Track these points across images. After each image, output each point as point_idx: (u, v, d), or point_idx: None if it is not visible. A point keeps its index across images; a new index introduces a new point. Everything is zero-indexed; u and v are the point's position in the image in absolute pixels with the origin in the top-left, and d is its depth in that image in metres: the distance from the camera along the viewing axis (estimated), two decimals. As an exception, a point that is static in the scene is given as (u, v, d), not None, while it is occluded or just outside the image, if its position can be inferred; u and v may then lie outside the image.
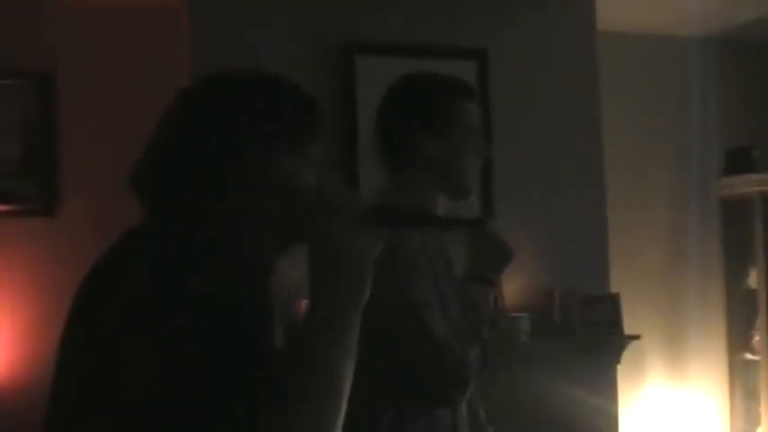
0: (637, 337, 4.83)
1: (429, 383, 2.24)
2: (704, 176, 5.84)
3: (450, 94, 2.42)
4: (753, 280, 5.82)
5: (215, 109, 1.55)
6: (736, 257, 5.91)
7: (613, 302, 4.83)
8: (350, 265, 1.40)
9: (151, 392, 1.28)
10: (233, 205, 1.50)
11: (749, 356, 5.84)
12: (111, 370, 1.32)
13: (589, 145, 5.01)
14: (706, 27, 5.69)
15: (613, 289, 4.93)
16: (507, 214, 4.74)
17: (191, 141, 1.52)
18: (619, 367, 4.81)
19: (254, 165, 1.51)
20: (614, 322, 4.80)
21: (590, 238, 4.95)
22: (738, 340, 5.90)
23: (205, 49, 4.34)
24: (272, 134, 1.54)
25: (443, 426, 2.34)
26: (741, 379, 5.89)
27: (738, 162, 5.80)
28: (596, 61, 5.05)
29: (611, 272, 4.98)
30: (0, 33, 4.61)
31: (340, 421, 1.35)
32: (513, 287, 4.72)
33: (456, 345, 2.24)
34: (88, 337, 1.40)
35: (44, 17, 4.68)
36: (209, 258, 1.42)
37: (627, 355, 4.84)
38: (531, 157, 4.87)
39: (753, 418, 5.79)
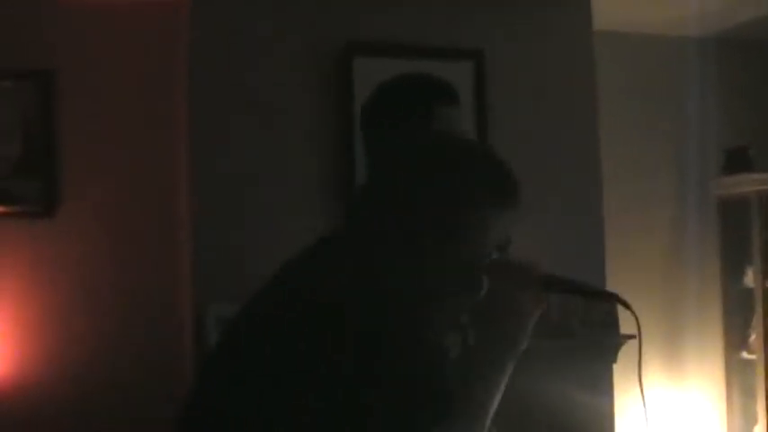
0: (633, 337, 4.82)
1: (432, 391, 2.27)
2: (702, 176, 5.85)
3: (427, 99, 2.46)
4: (750, 279, 5.84)
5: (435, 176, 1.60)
6: (734, 256, 5.93)
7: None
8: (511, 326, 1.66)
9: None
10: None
11: (746, 355, 5.86)
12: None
13: (586, 145, 5.02)
14: (704, 26, 5.70)
15: (610, 288, 4.93)
16: (505, 214, 4.76)
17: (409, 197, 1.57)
18: (615, 367, 4.83)
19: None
20: (611, 321, 4.81)
21: (587, 237, 4.96)
22: (735, 339, 5.92)
23: (205, 48, 4.36)
24: (487, 205, 1.66)
25: None
26: (738, 378, 5.91)
27: (736, 161, 5.82)
28: (594, 61, 5.06)
29: (607, 271, 4.99)
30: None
31: None
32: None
33: (454, 350, 2.27)
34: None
35: (43, 16, 4.68)
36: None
37: (623, 355, 4.85)
38: (527, 157, 4.85)
39: (750, 417, 5.81)
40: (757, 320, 5.74)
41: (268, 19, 4.50)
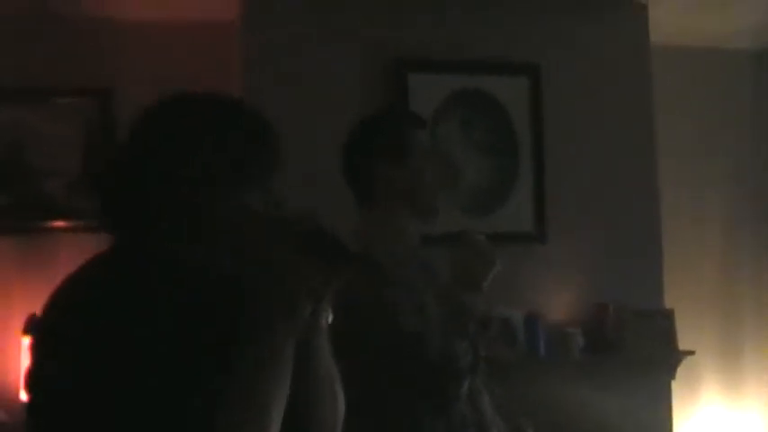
0: (691, 353, 4.80)
1: (414, 377, 2.31)
2: (759, 191, 5.79)
3: (400, 126, 2.61)
4: (809, 294, 5.75)
5: (173, 136, 1.60)
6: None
7: (668, 317, 4.81)
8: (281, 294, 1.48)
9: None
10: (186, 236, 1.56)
11: (806, 373, 5.77)
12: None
13: (643, 158, 4.99)
14: (759, 39, 5.65)
15: (668, 304, 4.90)
16: (561, 230, 4.75)
17: (148, 169, 1.59)
18: (673, 384, 4.79)
19: (205, 195, 1.56)
20: (668, 337, 4.77)
21: (645, 252, 4.93)
22: (795, 357, 5.83)
23: (259, 65, 4.40)
24: (229, 164, 1.58)
25: (451, 424, 2.39)
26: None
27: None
28: (650, 75, 5.04)
29: (665, 287, 4.96)
30: (59, 52, 4.70)
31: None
32: (566, 301, 4.72)
33: (435, 338, 2.33)
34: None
35: (101, 35, 4.76)
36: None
37: (681, 372, 4.81)
38: (584, 172, 4.87)
39: (809, 436, 5.72)
40: (817, 337, 5.65)
41: (321, 36, 4.53)
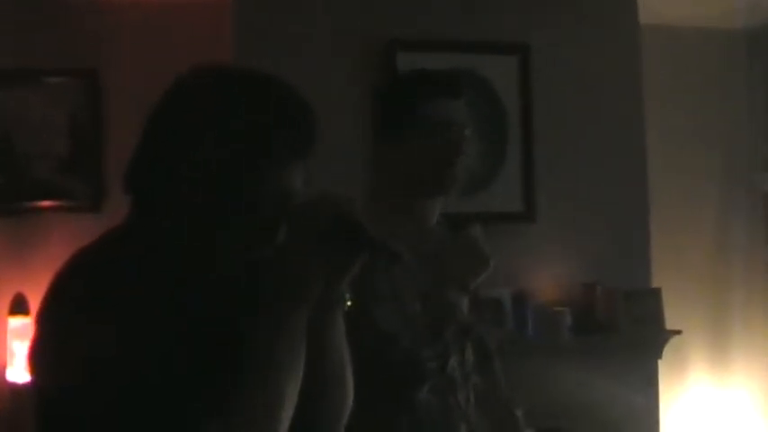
0: (678, 332, 4.82)
1: (378, 376, 2.28)
2: (749, 170, 5.79)
3: (430, 90, 2.44)
4: (797, 276, 5.77)
5: (205, 112, 1.55)
6: (781, 253, 5.86)
7: (655, 297, 4.82)
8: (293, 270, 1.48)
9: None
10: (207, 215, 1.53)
11: (793, 353, 5.79)
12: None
13: (633, 140, 5.00)
14: (752, 18, 5.63)
15: (656, 283, 4.91)
16: (549, 209, 4.75)
17: (178, 145, 1.55)
18: (660, 363, 4.80)
19: (240, 174, 1.52)
20: (656, 317, 4.79)
21: (632, 232, 4.94)
22: (782, 336, 5.85)
23: (248, 44, 4.38)
24: (264, 143, 1.54)
25: (415, 420, 2.37)
26: (785, 375, 5.85)
27: (784, 156, 5.76)
28: (640, 55, 5.03)
29: (654, 268, 4.97)
30: (45, 32, 4.67)
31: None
32: (554, 281, 4.73)
33: (405, 340, 2.29)
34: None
35: (88, 15, 4.72)
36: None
37: (668, 351, 4.83)
38: (573, 152, 4.87)
39: (797, 415, 5.75)
40: (805, 317, 5.67)
41: (311, 16, 4.51)
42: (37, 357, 1.49)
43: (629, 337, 4.74)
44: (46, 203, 4.66)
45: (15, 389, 4.31)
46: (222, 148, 1.51)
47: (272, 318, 1.46)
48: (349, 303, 1.61)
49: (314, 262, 1.47)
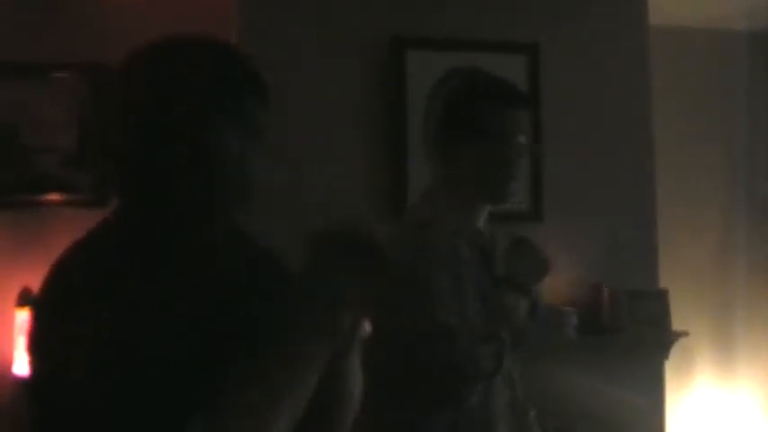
0: (685, 334, 4.81)
1: (433, 374, 2.29)
2: (754, 172, 5.79)
3: (499, 103, 2.49)
4: (802, 279, 5.76)
5: (159, 82, 1.58)
6: (786, 255, 5.85)
7: (662, 298, 4.82)
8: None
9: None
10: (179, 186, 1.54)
11: (799, 356, 5.78)
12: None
13: (639, 140, 4.99)
14: (755, 21, 5.63)
15: (662, 285, 4.91)
16: (557, 209, 4.75)
17: (131, 122, 1.57)
18: (666, 364, 4.80)
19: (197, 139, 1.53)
20: (662, 318, 4.78)
21: (639, 233, 4.93)
22: (789, 339, 5.85)
23: (253, 41, 4.38)
24: (216, 108, 1.55)
25: (457, 422, 2.38)
26: (790, 378, 5.84)
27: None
28: (648, 57, 5.02)
29: (660, 267, 4.96)
30: (53, 27, 4.68)
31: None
32: (561, 281, 4.72)
33: (464, 338, 2.30)
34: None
35: (96, 9, 4.73)
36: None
37: (675, 353, 4.82)
38: (581, 153, 4.86)
39: (802, 418, 5.74)
40: (810, 320, 5.67)
41: (318, 12, 4.51)
42: (32, 347, 1.53)
43: (635, 338, 4.73)
44: (52, 197, 4.67)
45: (22, 381, 4.32)
46: (191, 128, 1.53)
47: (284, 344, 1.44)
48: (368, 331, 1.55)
49: (334, 290, 1.43)
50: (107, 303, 1.42)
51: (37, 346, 1.50)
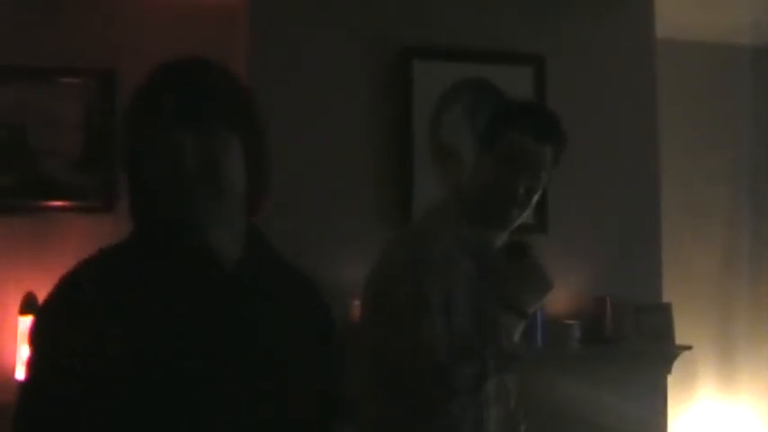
0: (688, 348, 4.81)
1: (411, 385, 2.30)
2: (759, 186, 5.78)
3: (529, 137, 2.48)
4: (807, 291, 5.75)
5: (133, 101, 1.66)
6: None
7: (665, 312, 4.81)
8: None
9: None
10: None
11: (802, 370, 5.77)
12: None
13: (646, 153, 4.99)
14: (761, 36, 5.64)
15: (666, 298, 4.90)
16: (561, 222, 4.74)
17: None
18: (669, 378, 4.79)
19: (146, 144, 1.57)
20: (666, 331, 4.78)
21: (643, 246, 4.93)
22: (791, 353, 5.84)
23: (263, 49, 4.39)
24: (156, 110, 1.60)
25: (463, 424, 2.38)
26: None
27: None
28: (655, 70, 5.02)
29: (664, 280, 4.96)
30: (62, 32, 4.69)
31: None
32: (565, 293, 4.71)
33: (440, 353, 2.29)
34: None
35: (105, 16, 4.75)
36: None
37: (677, 366, 4.81)
38: (585, 165, 4.86)
39: (804, 433, 5.73)
40: (813, 334, 5.65)
41: (327, 22, 4.52)
42: (33, 355, 1.54)
43: (638, 350, 4.72)
44: (59, 203, 4.68)
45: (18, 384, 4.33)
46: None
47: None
48: None
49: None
50: (115, 317, 1.45)
51: (37, 354, 1.51)
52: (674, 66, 5.39)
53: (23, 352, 4.37)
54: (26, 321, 4.38)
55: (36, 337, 1.53)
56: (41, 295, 4.65)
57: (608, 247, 4.85)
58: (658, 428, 4.73)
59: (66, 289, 1.54)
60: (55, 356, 1.46)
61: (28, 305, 4.37)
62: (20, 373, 4.37)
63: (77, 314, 1.47)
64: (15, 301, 4.41)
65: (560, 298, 4.69)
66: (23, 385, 1.53)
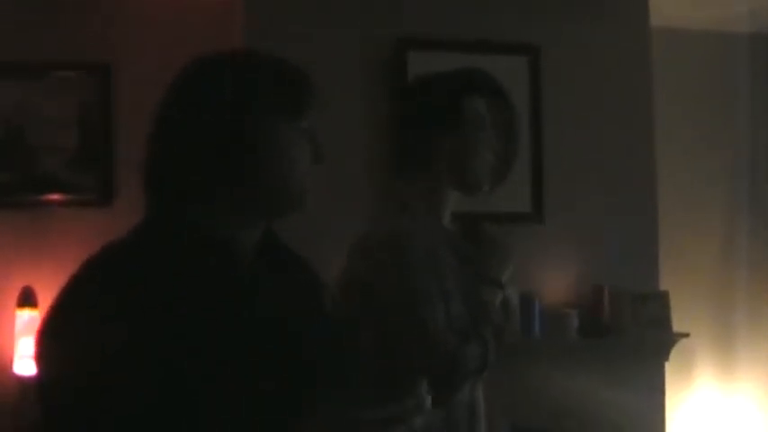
0: (686, 335, 4.81)
1: (419, 374, 2.30)
2: (756, 176, 5.79)
3: (460, 91, 2.49)
4: (804, 282, 5.76)
5: (213, 93, 1.59)
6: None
7: (663, 300, 4.82)
8: None
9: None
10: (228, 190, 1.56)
11: (799, 358, 5.78)
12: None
13: (641, 142, 4.99)
14: (759, 23, 5.63)
15: (663, 286, 4.91)
16: (558, 211, 4.75)
17: (189, 130, 1.58)
18: (667, 366, 4.80)
19: (251, 140, 1.55)
20: (663, 320, 4.79)
21: (640, 235, 4.94)
22: (788, 342, 5.84)
23: (259, 42, 4.38)
24: (268, 108, 1.58)
25: (461, 417, 2.41)
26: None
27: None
28: (650, 59, 5.03)
29: (661, 272, 4.96)
30: (58, 26, 4.68)
31: None
32: (562, 283, 4.72)
33: (450, 339, 2.31)
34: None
35: (101, 9, 4.74)
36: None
37: (675, 354, 4.82)
38: (582, 154, 4.86)
39: (802, 421, 5.74)
40: (811, 323, 5.66)
41: (322, 13, 4.51)
42: (48, 350, 1.48)
43: (635, 339, 4.73)
44: (56, 197, 4.67)
45: (23, 381, 4.33)
46: (219, 126, 1.55)
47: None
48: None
49: None
50: (130, 314, 1.42)
51: (51, 353, 1.48)
52: (670, 55, 5.38)
53: (21, 346, 4.38)
54: (23, 315, 4.38)
55: (69, 325, 1.47)
56: (39, 289, 4.66)
57: (605, 235, 4.85)
58: (656, 417, 4.74)
59: (98, 274, 1.52)
60: (94, 346, 1.41)
61: (25, 299, 4.37)
62: (19, 368, 4.38)
63: (117, 299, 1.45)
64: (13, 296, 4.41)
65: (558, 287, 4.70)
66: (52, 382, 1.47)
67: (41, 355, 1.46)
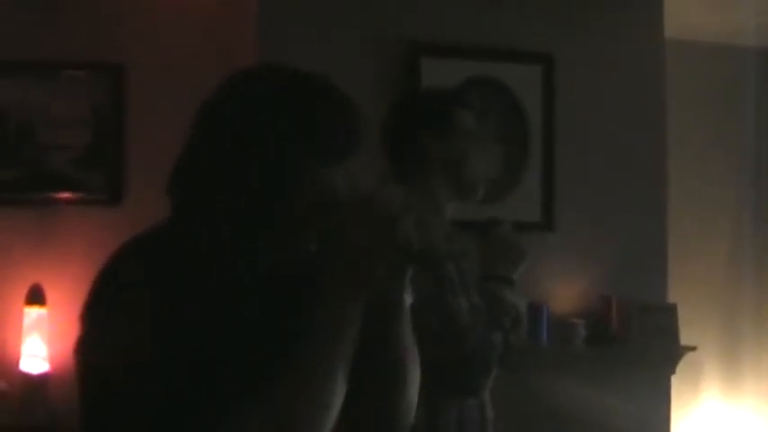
0: (693, 348, 4.80)
1: (454, 367, 2.34)
2: (764, 188, 5.78)
3: (446, 102, 2.65)
4: (812, 293, 5.74)
5: (252, 112, 1.56)
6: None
7: (670, 312, 4.81)
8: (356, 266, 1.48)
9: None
10: (259, 212, 1.54)
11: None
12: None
13: (652, 153, 4.98)
14: (764, 38, 5.64)
15: (671, 298, 4.90)
16: (568, 220, 4.75)
17: (223, 148, 1.55)
18: (673, 378, 4.79)
19: (286, 174, 1.53)
20: (670, 332, 4.77)
21: (649, 246, 4.93)
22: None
23: (273, 43, 4.39)
24: (310, 146, 1.55)
25: (472, 418, 2.44)
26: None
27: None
28: (663, 70, 5.02)
29: (669, 280, 4.95)
30: (71, 25, 4.68)
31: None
32: (571, 292, 4.72)
33: (477, 334, 2.40)
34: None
35: (115, 9, 4.74)
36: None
37: (682, 367, 4.81)
38: (593, 164, 4.86)
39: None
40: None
41: (336, 18, 4.51)
42: (88, 344, 1.52)
43: (642, 350, 4.72)
44: (65, 195, 4.68)
45: (30, 379, 4.33)
46: (269, 149, 1.52)
47: (328, 307, 1.47)
48: (410, 301, 1.61)
49: (369, 251, 1.47)
50: (163, 306, 1.44)
51: (92, 350, 1.51)
52: (680, 66, 5.38)
53: (28, 344, 4.38)
54: (31, 313, 4.39)
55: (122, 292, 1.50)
56: (47, 287, 4.66)
57: (614, 246, 4.84)
58: (662, 428, 4.73)
59: (138, 257, 1.54)
60: (141, 319, 1.43)
61: (33, 296, 4.38)
62: (25, 365, 4.38)
63: (134, 303, 1.46)
64: (21, 293, 4.42)
65: (566, 296, 4.70)
66: (96, 370, 1.51)
67: (92, 322, 1.52)
